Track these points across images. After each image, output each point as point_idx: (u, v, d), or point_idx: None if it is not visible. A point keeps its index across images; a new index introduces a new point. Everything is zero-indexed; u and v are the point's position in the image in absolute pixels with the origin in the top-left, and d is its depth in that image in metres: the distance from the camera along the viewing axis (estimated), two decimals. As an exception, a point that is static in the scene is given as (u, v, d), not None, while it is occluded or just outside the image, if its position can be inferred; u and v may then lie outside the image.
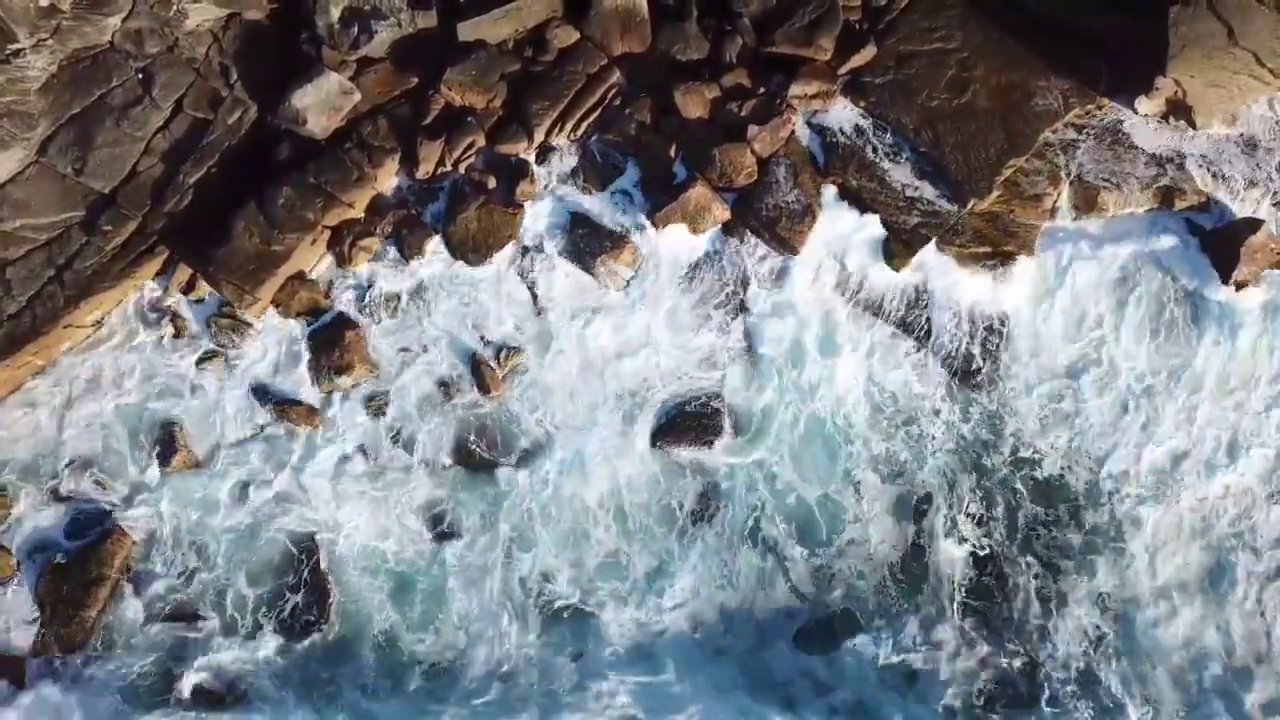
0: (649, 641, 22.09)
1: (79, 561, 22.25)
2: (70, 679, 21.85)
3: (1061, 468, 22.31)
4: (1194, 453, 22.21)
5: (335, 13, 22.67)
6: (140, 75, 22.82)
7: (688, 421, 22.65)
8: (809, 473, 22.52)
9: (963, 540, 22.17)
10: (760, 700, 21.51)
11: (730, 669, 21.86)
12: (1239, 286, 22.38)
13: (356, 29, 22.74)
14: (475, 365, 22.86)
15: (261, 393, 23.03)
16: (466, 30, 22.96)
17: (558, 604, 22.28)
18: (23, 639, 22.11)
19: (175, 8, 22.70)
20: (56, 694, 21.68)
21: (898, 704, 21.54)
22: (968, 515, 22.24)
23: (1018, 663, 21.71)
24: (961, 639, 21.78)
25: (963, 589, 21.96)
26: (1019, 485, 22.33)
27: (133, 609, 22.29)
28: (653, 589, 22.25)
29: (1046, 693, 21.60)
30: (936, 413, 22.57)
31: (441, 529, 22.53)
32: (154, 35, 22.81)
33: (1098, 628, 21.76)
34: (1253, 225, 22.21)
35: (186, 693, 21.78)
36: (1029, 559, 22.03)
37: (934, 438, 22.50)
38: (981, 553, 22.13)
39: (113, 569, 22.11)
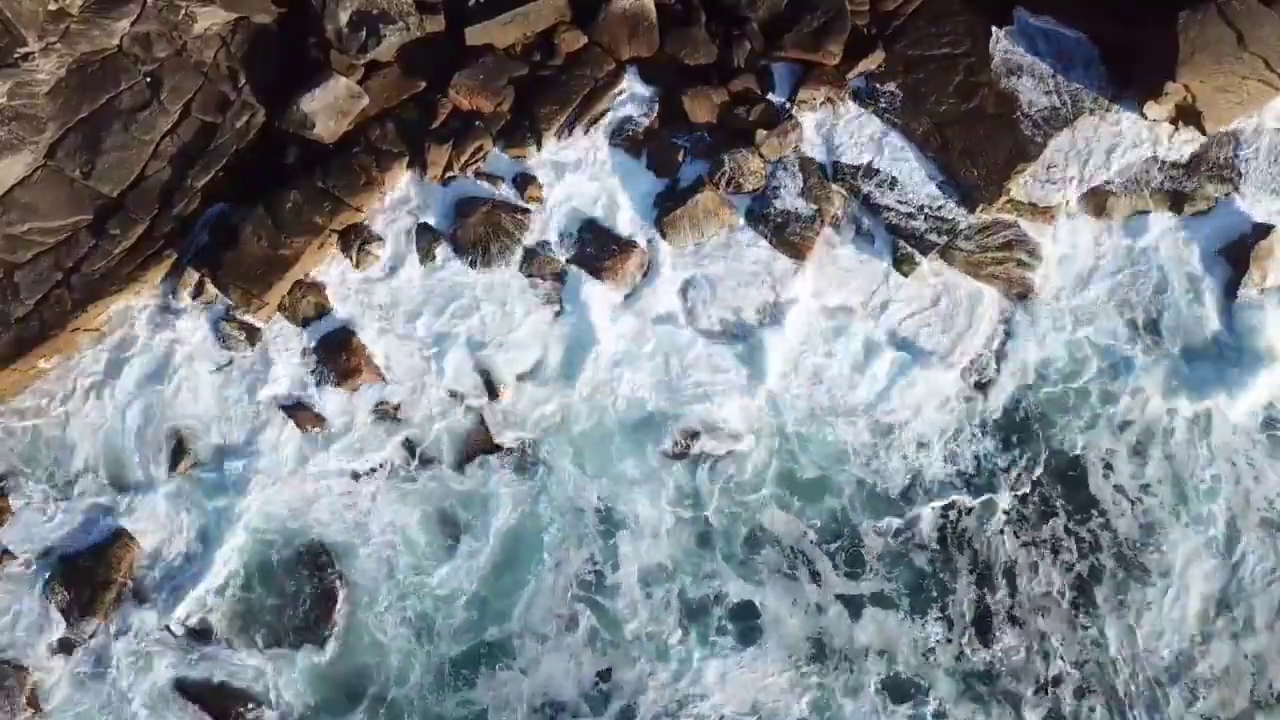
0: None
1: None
2: None
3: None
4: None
5: (343, 17, 22.67)
6: (148, 79, 22.79)
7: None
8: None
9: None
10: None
11: None
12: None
13: (365, 33, 22.73)
14: (484, 369, 22.82)
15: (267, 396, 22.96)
16: (475, 34, 22.94)
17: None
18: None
19: (183, 11, 22.69)
20: None
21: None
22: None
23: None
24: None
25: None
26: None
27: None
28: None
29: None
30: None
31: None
32: (162, 39, 22.79)
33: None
34: (1263, 232, 22.26)
35: None
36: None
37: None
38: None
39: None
